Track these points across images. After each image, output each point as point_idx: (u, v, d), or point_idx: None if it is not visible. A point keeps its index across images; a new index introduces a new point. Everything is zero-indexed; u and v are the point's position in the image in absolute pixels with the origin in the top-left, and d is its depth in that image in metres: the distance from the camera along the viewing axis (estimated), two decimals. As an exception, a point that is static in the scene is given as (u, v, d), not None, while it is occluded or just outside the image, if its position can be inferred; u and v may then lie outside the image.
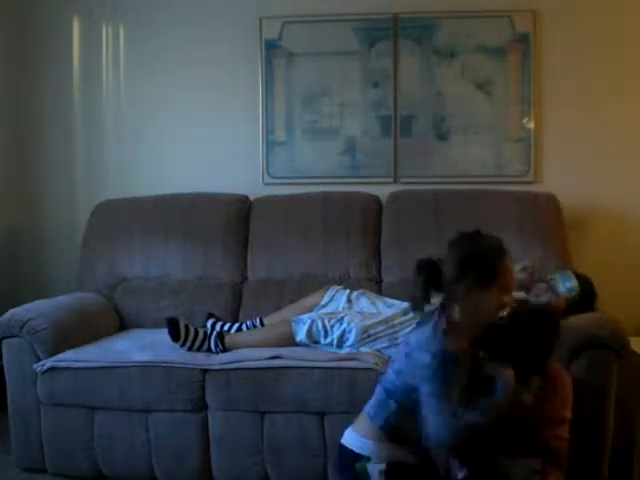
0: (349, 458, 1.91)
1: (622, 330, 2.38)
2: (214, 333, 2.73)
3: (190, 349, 2.69)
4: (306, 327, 2.65)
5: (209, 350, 2.69)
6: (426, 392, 1.77)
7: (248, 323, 2.94)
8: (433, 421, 1.76)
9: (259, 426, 2.52)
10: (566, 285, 2.62)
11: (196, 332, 2.72)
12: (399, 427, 1.87)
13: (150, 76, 3.62)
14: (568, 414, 1.99)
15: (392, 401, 1.87)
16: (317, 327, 2.65)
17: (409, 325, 2.60)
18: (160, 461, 2.60)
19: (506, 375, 1.80)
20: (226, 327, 2.94)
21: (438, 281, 1.86)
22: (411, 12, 3.44)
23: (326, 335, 2.64)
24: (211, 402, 2.54)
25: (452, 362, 1.76)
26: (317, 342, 2.66)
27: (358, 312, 2.75)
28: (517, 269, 2.80)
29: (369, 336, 2.61)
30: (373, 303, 2.83)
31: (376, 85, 3.49)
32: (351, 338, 2.60)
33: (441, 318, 1.84)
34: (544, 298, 2.61)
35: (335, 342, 2.63)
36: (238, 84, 3.57)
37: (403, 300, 2.83)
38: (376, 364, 2.49)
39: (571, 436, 2.01)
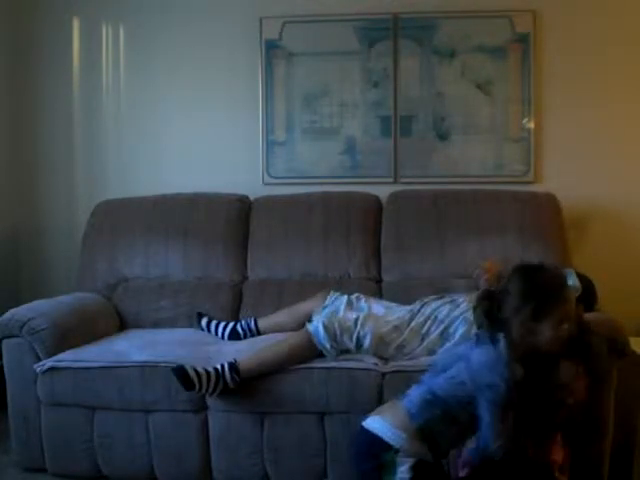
0: (376, 446, 1.90)
1: (622, 330, 2.38)
2: (226, 366, 2.44)
3: (207, 391, 2.43)
4: (325, 331, 2.54)
5: (226, 385, 2.44)
6: (488, 412, 1.84)
7: (243, 323, 2.94)
8: (489, 439, 1.84)
9: (259, 426, 2.52)
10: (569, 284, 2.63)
11: (207, 372, 2.42)
12: (436, 432, 1.90)
13: (150, 76, 3.62)
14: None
15: (439, 407, 1.90)
16: (335, 328, 2.56)
17: (417, 332, 2.61)
18: (160, 461, 2.60)
19: None
20: (221, 326, 2.95)
21: (498, 309, 1.91)
22: (411, 12, 3.44)
23: (344, 335, 2.57)
24: (211, 402, 2.53)
25: (515, 390, 1.83)
26: (339, 343, 2.56)
27: (369, 315, 2.67)
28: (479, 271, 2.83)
29: (384, 344, 2.59)
30: (371, 307, 2.80)
31: (376, 85, 3.49)
32: (366, 343, 2.57)
33: (505, 343, 1.88)
34: None
35: (354, 344, 2.57)
36: (238, 84, 3.57)
37: (403, 302, 2.83)
38: (376, 364, 2.49)
39: (571, 436, 2.03)
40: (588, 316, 2.51)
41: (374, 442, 1.91)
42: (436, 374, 1.98)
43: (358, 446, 2.00)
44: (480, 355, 1.89)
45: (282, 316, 2.92)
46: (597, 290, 2.69)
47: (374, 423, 1.94)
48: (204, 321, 3.00)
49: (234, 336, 2.92)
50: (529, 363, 1.88)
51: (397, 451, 1.87)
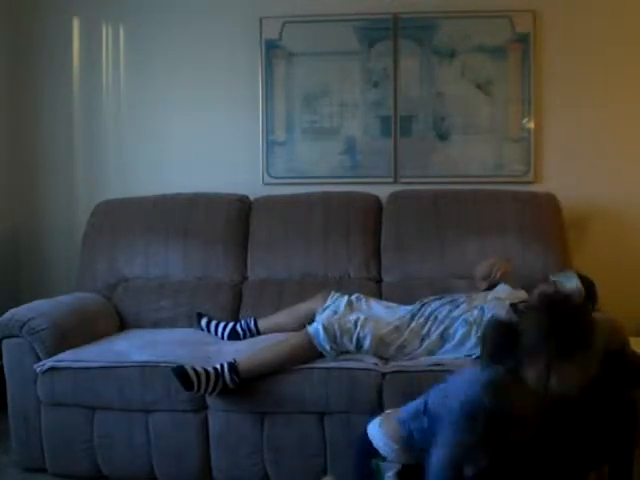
0: (368, 450, 1.94)
1: (622, 330, 2.38)
2: (226, 367, 2.44)
3: (206, 391, 2.44)
4: (325, 333, 2.53)
5: (225, 385, 2.44)
6: (441, 435, 1.74)
7: (242, 323, 2.94)
8: (434, 467, 1.72)
9: (259, 426, 2.52)
10: (572, 288, 2.63)
11: (206, 372, 2.42)
12: (419, 443, 1.87)
13: (150, 76, 3.62)
14: None
15: (424, 420, 1.86)
16: (335, 330, 2.56)
17: (417, 333, 2.61)
18: (160, 461, 2.60)
19: None
20: (221, 326, 2.96)
21: (514, 343, 1.71)
22: (411, 12, 3.44)
23: (344, 337, 2.56)
24: (211, 402, 2.53)
25: (476, 418, 1.66)
26: (339, 345, 2.55)
27: (369, 316, 2.68)
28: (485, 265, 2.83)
29: (385, 344, 2.59)
30: (370, 308, 2.80)
31: (376, 85, 3.49)
32: (366, 344, 2.58)
33: (493, 369, 1.73)
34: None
35: (354, 345, 2.57)
36: (238, 84, 3.57)
37: (403, 302, 2.83)
38: (376, 364, 2.49)
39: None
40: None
41: (368, 447, 1.95)
42: (438, 388, 1.91)
43: (358, 446, 2.03)
44: (469, 373, 1.81)
45: (282, 316, 2.92)
46: (597, 291, 2.69)
47: (373, 428, 1.97)
48: (204, 321, 3.00)
49: (234, 336, 2.92)
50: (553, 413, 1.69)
51: (384, 458, 1.91)
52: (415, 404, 1.92)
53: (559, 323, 1.66)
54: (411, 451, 1.88)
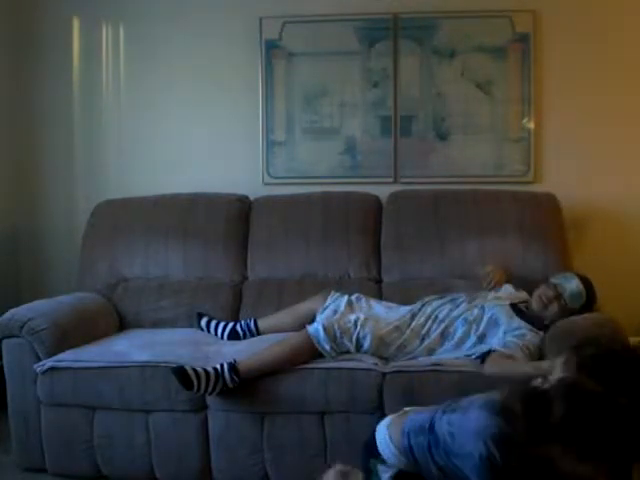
0: (371, 449, 1.92)
1: (622, 330, 2.38)
2: (226, 367, 2.44)
3: (206, 391, 2.44)
4: (325, 333, 2.53)
5: (225, 385, 2.44)
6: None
7: (242, 323, 2.94)
8: None
9: (259, 426, 2.52)
10: (573, 293, 2.63)
11: (206, 373, 2.42)
12: (418, 458, 1.80)
13: (150, 76, 3.62)
14: None
15: (427, 439, 1.73)
16: (334, 330, 2.56)
17: (418, 332, 2.61)
18: (160, 461, 2.60)
19: None
20: (221, 326, 2.96)
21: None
22: (411, 12, 3.44)
23: (344, 337, 2.57)
24: (211, 402, 2.54)
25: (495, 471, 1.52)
26: (339, 345, 2.56)
27: (369, 316, 2.68)
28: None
29: (385, 344, 2.59)
30: (371, 307, 2.80)
31: (376, 85, 3.49)
32: (366, 344, 2.57)
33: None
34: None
35: (354, 345, 2.57)
36: (238, 84, 3.57)
37: (403, 302, 2.83)
38: (376, 364, 2.49)
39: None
40: (588, 316, 2.53)
41: (372, 445, 1.92)
42: (450, 411, 1.75)
43: (367, 440, 1.98)
44: (473, 420, 1.61)
45: (282, 316, 2.92)
46: (596, 290, 2.69)
47: (381, 428, 1.93)
48: (204, 321, 3.00)
49: (234, 336, 2.92)
50: None
51: (383, 461, 1.88)
52: (422, 418, 1.81)
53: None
54: (410, 460, 1.82)
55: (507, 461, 1.50)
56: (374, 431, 1.95)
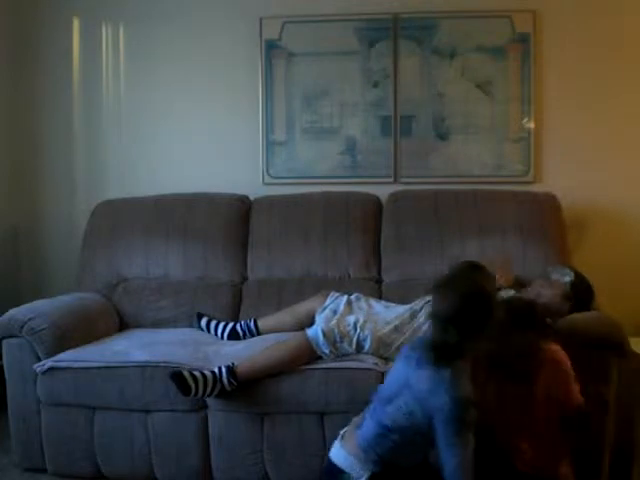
0: (335, 472, 2.00)
1: (622, 330, 2.38)
2: (224, 370, 2.45)
3: (204, 395, 2.45)
4: (324, 337, 2.55)
5: (223, 389, 2.45)
6: (443, 435, 1.83)
7: (242, 323, 2.94)
8: (449, 461, 1.83)
9: (259, 426, 2.52)
10: (560, 272, 2.66)
11: (204, 376, 2.42)
12: (393, 461, 1.94)
13: (150, 76, 3.62)
14: (575, 385, 2.05)
15: (394, 437, 1.91)
16: (334, 334, 2.57)
17: (418, 332, 2.61)
18: (160, 461, 2.60)
19: None
20: (220, 326, 2.95)
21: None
22: (411, 12, 3.43)
23: (344, 341, 2.57)
24: (211, 402, 2.54)
25: (468, 406, 1.82)
26: (338, 349, 2.57)
27: (369, 317, 2.67)
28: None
29: (385, 345, 2.59)
30: (371, 307, 2.80)
31: (376, 85, 3.49)
32: (366, 346, 2.57)
33: (454, 363, 1.86)
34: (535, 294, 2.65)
35: (354, 348, 2.58)
36: (238, 84, 3.57)
37: (403, 302, 2.83)
38: (376, 364, 2.49)
39: (572, 436, 2.04)
40: (588, 316, 2.53)
41: (333, 469, 2.01)
42: (383, 404, 1.97)
43: (325, 473, 2.10)
44: (421, 383, 1.87)
45: (282, 316, 2.92)
46: (594, 289, 2.68)
47: (334, 451, 2.04)
48: (204, 321, 3.00)
49: (234, 336, 2.92)
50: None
51: (350, 476, 1.96)
52: (370, 431, 1.96)
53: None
54: (377, 463, 1.94)
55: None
56: (329, 462, 2.04)
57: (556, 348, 2.08)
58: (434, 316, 1.91)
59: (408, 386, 1.90)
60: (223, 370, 2.45)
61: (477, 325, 1.84)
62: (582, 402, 2.04)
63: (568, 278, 2.68)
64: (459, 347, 1.85)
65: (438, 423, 1.83)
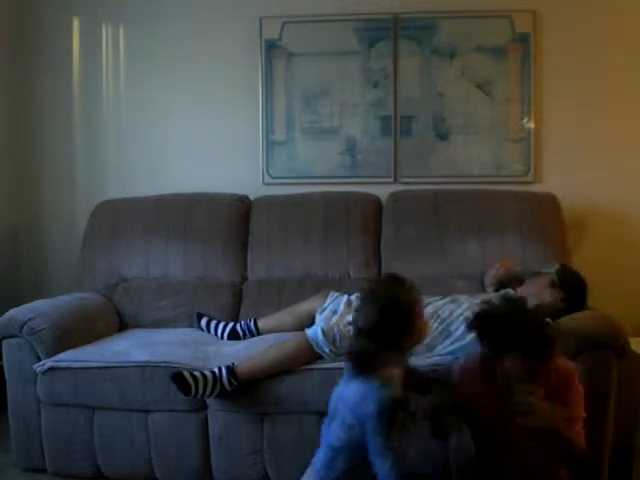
0: None
1: (622, 330, 2.38)
2: (224, 370, 2.44)
3: (204, 395, 2.45)
4: (324, 337, 2.54)
5: (223, 389, 2.45)
6: (374, 442, 1.83)
7: (242, 323, 2.94)
8: (381, 472, 1.83)
9: (259, 426, 2.52)
10: (547, 266, 2.70)
11: (204, 376, 2.43)
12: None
13: (150, 76, 3.62)
14: (582, 412, 2.00)
15: (341, 458, 1.91)
16: (334, 333, 2.56)
17: None
18: (160, 461, 2.60)
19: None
20: (220, 326, 2.96)
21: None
22: (411, 12, 3.44)
23: (343, 341, 2.54)
24: (211, 402, 2.53)
25: (394, 409, 1.84)
26: (338, 348, 2.54)
27: None
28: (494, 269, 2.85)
29: None
30: None
31: (376, 85, 3.49)
32: None
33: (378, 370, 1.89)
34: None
35: None
36: (238, 84, 3.57)
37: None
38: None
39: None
40: (588, 316, 2.53)
41: None
42: (329, 423, 1.98)
43: None
44: (352, 394, 1.89)
45: (282, 316, 2.92)
46: (588, 288, 2.68)
47: None
48: (204, 321, 3.00)
49: (234, 336, 2.92)
50: None
51: None
52: (325, 455, 1.96)
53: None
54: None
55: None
56: None
57: (570, 366, 2.04)
58: (354, 327, 1.97)
59: (343, 400, 1.93)
60: (223, 370, 2.45)
61: (395, 336, 1.90)
62: (583, 444, 1.98)
63: (553, 269, 2.70)
64: (378, 357, 1.89)
65: (369, 431, 1.84)
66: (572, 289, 2.66)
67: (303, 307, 2.88)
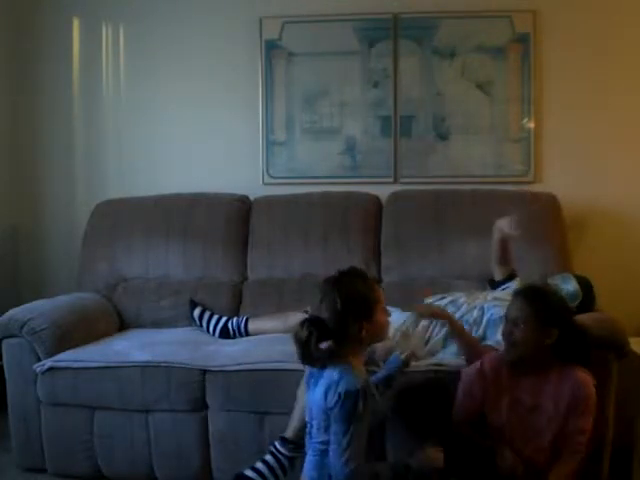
0: None
1: (622, 330, 2.38)
2: (278, 446, 2.33)
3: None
4: None
5: (286, 458, 2.34)
6: (334, 434, 1.90)
7: (234, 322, 2.95)
8: (336, 464, 1.90)
9: (259, 426, 2.52)
10: (569, 291, 2.63)
11: (265, 464, 2.32)
12: None
13: (150, 76, 3.62)
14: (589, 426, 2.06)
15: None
16: None
17: (422, 337, 2.60)
18: (160, 461, 2.60)
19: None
20: (213, 320, 2.97)
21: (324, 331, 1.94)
22: (411, 12, 3.43)
23: None
24: (211, 402, 2.54)
25: (357, 400, 1.88)
26: None
27: None
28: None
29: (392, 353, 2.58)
30: None
31: (376, 85, 3.49)
32: (375, 357, 2.54)
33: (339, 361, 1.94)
34: None
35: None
36: (238, 84, 3.57)
37: (403, 302, 2.82)
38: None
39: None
40: (588, 316, 2.52)
41: None
42: (310, 428, 2.02)
43: None
44: (320, 392, 1.93)
45: (275, 324, 2.89)
46: (595, 292, 2.68)
47: None
48: (197, 311, 3.00)
49: (224, 334, 2.93)
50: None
51: None
52: (309, 463, 2.02)
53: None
54: None
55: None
56: None
57: (588, 380, 2.07)
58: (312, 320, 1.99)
59: (315, 401, 1.96)
60: (278, 446, 2.33)
61: (356, 327, 1.94)
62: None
63: (577, 295, 2.65)
64: (339, 348, 1.93)
65: (333, 422, 1.89)
66: (583, 308, 2.63)
67: (297, 318, 2.84)
